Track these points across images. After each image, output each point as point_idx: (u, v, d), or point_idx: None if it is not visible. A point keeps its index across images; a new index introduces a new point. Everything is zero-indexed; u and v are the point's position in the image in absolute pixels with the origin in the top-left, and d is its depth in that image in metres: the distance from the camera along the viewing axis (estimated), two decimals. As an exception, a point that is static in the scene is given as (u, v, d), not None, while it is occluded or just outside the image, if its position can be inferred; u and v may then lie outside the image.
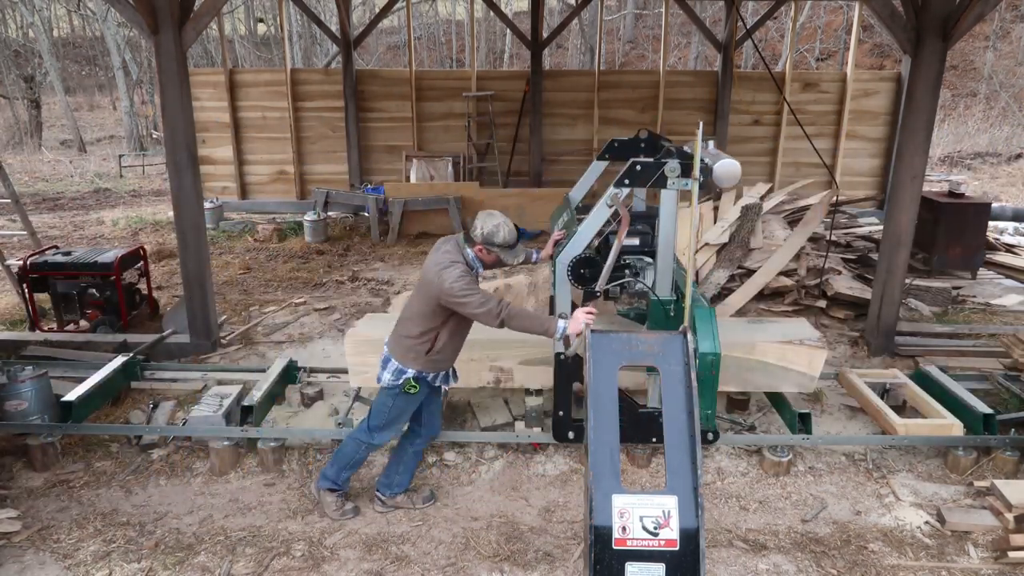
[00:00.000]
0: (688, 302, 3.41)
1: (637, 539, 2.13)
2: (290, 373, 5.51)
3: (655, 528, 2.13)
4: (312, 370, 5.74)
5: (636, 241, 4.21)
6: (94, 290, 6.65)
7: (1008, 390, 5.25)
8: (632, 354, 2.23)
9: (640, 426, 4.13)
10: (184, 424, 4.79)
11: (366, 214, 10.87)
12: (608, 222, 4.10)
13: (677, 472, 2.14)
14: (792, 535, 3.97)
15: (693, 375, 2.23)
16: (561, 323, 3.61)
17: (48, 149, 21.59)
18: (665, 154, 3.93)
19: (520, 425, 4.81)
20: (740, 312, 6.97)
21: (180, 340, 6.21)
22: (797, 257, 7.59)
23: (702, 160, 3.89)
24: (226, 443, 4.55)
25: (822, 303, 7.14)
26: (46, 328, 6.68)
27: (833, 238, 8.28)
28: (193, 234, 5.96)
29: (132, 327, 6.73)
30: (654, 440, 4.24)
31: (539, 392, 4.90)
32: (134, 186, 15.76)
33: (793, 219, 8.65)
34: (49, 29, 26.04)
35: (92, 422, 4.93)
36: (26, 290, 6.57)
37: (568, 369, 4.20)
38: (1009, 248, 9.32)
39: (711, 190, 4.10)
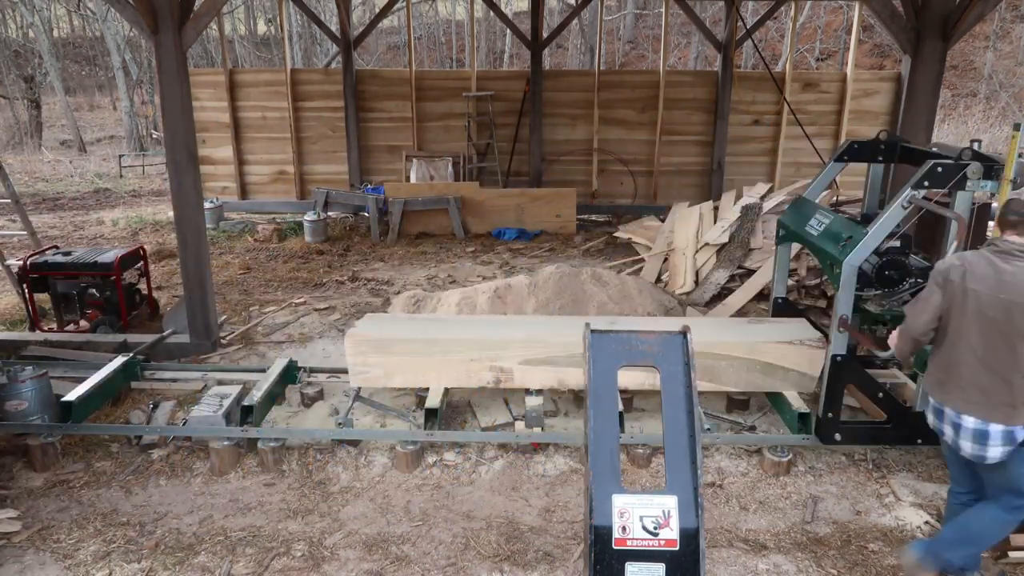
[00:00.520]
0: None
1: (637, 539, 2.13)
2: (290, 373, 5.51)
3: (655, 528, 2.13)
4: (312, 370, 5.73)
5: (897, 243, 4.21)
6: (94, 290, 6.65)
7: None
8: (632, 354, 2.22)
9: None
10: (184, 424, 4.79)
11: (366, 214, 10.87)
12: (898, 225, 4.11)
13: (677, 472, 2.14)
14: (792, 535, 3.97)
15: (693, 375, 2.23)
16: None
17: (48, 149, 21.59)
18: (961, 155, 3.96)
19: (520, 425, 4.81)
20: (740, 312, 6.97)
21: (180, 340, 6.21)
22: (797, 257, 7.59)
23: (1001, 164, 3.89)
24: (226, 443, 4.55)
25: (822, 303, 7.13)
26: (46, 328, 6.68)
27: (833, 238, 8.27)
28: (193, 234, 5.96)
29: (132, 327, 6.74)
30: (919, 441, 4.25)
31: (539, 392, 4.90)
32: (134, 186, 15.76)
33: (793, 219, 8.64)
34: (49, 29, 26.04)
35: (92, 422, 4.93)
36: (26, 290, 6.57)
37: (842, 370, 4.21)
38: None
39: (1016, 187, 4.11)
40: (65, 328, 6.64)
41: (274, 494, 4.33)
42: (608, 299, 6.14)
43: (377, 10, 16.24)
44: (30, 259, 6.60)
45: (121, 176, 17.18)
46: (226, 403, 4.85)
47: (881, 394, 4.34)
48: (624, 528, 2.14)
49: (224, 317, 7.08)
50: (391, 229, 10.31)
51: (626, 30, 30.93)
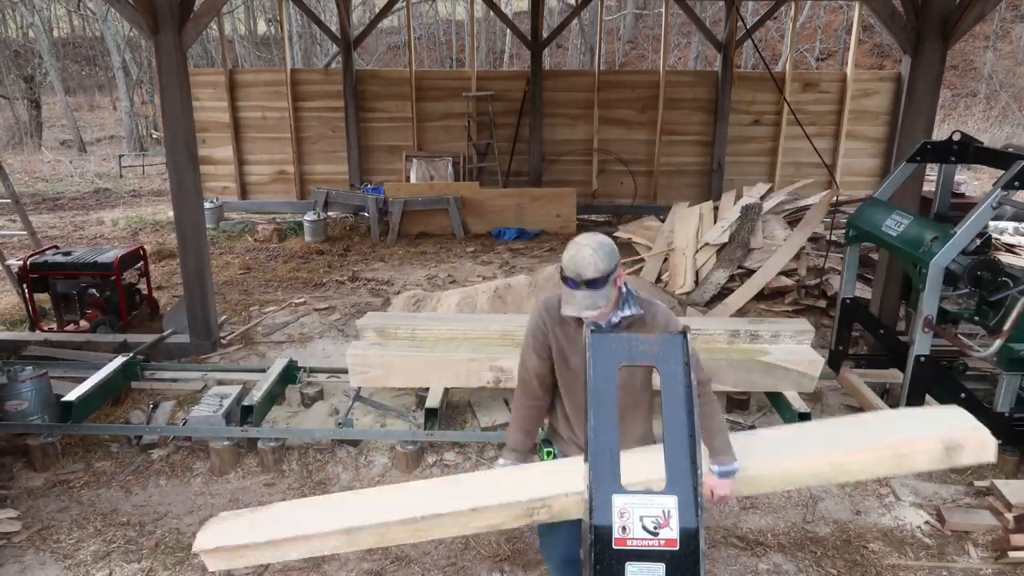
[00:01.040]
0: None
1: (637, 539, 2.13)
2: (290, 373, 5.51)
3: (655, 528, 2.13)
4: (312, 370, 5.74)
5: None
6: (94, 290, 6.65)
7: (1008, 390, 5.24)
8: (632, 354, 2.22)
9: None
10: (184, 424, 4.79)
11: (366, 214, 10.87)
12: (985, 226, 4.10)
13: (677, 472, 2.14)
14: (792, 535, 3.97)
15: (693, 375, 2.23)
16: None
17: (48, 149, 21.59)
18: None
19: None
20: (740, 312, 6.97)
21: (180, 340, 6.21)
22: (797, 257, 7.59)
23: None
24: (226, 443, 4.55)
25: (822, 303, 7.14)
26: (46, 328, 6.68)
27: (833, 238, 8.27)
28: (193, 234, 5.96)
29: (132, 327, 6.74)
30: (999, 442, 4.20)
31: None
32: (134, 186, 15.77)
33: (793, 219, 8.66)
34: (49, 29, 26.04)
35: (92, 422, 4.93)
36: (26, 290, 6.57)
37: (924, 371, 4.25)
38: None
39: None
40: (65, 328, 6.64)
41: (274, 494, 4.33)
42: (608, 299, 6.14)
43: (377, 10, 16.24)
44: (30, 259, 6.60)
45: (121, 176, 17.18)
46: (226, 403, 4.86)
47: (963, 395, 4.32)
48: (624, 528, 2.13)
49: (224, 317, 7.08)
50: (391, 229, 10.31)
51: (626, 30, 30.93)
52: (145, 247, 7.45)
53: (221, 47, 12.07)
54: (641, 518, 2.15)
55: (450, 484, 2.89)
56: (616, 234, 10.09)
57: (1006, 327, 3.88)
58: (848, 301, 5.34)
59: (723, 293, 7.37)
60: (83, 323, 6.65)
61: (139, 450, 4.76)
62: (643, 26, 30.87)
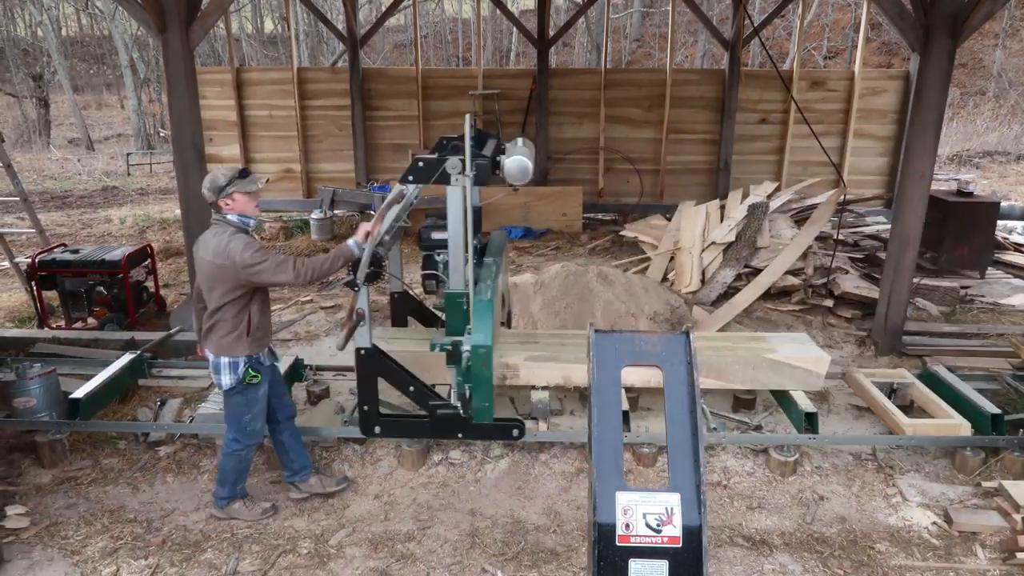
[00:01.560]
0: (471, 295, 3.63)
1: (640, 536, 2.14)
2: (296, 371, 5.52)
3: (658, 525, 2.13)
4: (318, 368, 5.75)
5: (446, 235, 4.20)
6: (102, 288, 6.68)
7: (1016, 390, 5.23)
8: (635, 353, 2.23)
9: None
10: (191, 421, 4.82)
11: (372, 212, 10.87)
12: (398, 217, 4.14)
13: (680, 470, 2.15)
14: (798, 535, 3.96)
15: (696, 374, 2.23)
16: (351, 242, 3.79)
17: (56, 147, 21.71)
18: (451, 150, 3.93)
19: (526, 423, 4.80)
20: (747, 311, 6.95)
21: (187, 338, 6.23)
22: (804, 256, 7.57)
23: (485, 156, 3.99)
24: (232, 440, 4.56)
25: (829, 302, 7.11)
26: (54, 325, 6.72)
27: (840, 237, 8.25)
28: (200, 232, 5.96)
29: (139, 325, 6.77)
30: (460, 435, 4.23)
31: (545, 388, 4.91)
32: (141, 184, 15.83)
33: (800, 218, 8.63)
34: (57, 28, 26.19)
35: (100, 419, 4.96)
36: (34, 287, 6.61)
37: (371, 362, 4.15)
38: (1018, 247, 9.27)
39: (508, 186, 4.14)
40: (73, 326, 6.67)
41: (280, 491, 4.34)
42: (614, 298, 6.13)
43: (383, 8, 16.25)
44: (38, 257, 6.64)
45: (129, 174, 17.26)
46: (232, 400, 4.87)
47: (411, 387, 4.22)
48: (627, 525, 2.14)
49: (231, 315, 7.10)
50: (397, 227, 10.31)
51: (633, 28, 30.88)
52: (152, 245, 7.48)
53: (228, 46, 12.09)
54: (644, 515, 2.15)
55: None
56: (622, 233, 10.08)
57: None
58: (396, 296, 5.23)
59: (729, 292, 7.35)
60: (91, 320, 6.69)
61: (146, 447, 4.78)
62: (650, 24, 30.83)
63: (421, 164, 3.94)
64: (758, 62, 23.83)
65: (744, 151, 11.44)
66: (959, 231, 8.20)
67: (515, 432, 4.20)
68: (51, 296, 6.94)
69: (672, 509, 2.15)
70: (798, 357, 4.78)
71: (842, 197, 8.26)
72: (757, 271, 7.51)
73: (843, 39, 26.78)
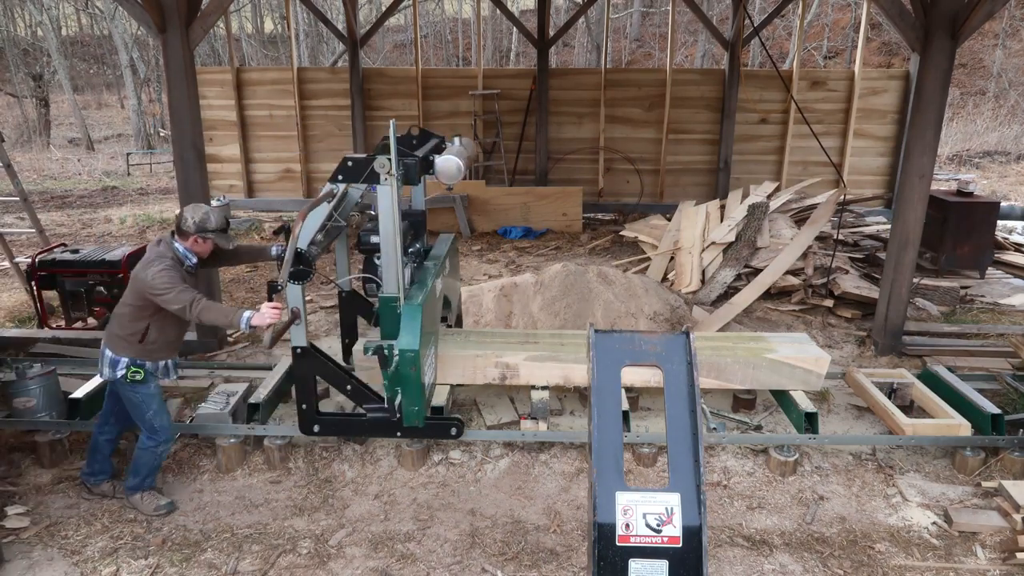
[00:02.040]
0: (401, 299, 3.71)
1: (640, 536, 2.14)
2: (296, 371, 5.51)
3: (658, 525, 2.13)
4: (318, 368, 5.74)
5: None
6: (102, 288, 6.67)
7: (1016, 390, 5.23)
8: (635, 353, 2.23)
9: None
10: (191, 421, 4.81)
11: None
12: (331, 216, 4.10)
13: (680, 470, 2.15)
14: (798, 535, 3.96)
15: (696, 374, 2.23)
16: (246, 314, 3.78)
17: (56, 147, 21.71)
18: (380, 150, 3.93)
19: (526, 423, 4.81)
20: (747, 311, 6.95)
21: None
22: (804, 256, 7.57)
23: (424, 157, 4.01)
24: (232, 440, 4.57)
25: (829, 302, 7.11)
26: (54, 325, 6.72)
27: (840, 237, 8.25)
28: (200, 232, 5.97)
29: (139, 325, 6.75)
30: (398, 434, 4.20)
31: (544, 388, 4.91)
32: (141, 184, 15.83)
33: (800, 218, 8.63)
34: (57, 28, 26.19)
35: (100, 419, 4.95)
36: (34, 287, 6.61)
37: (307, 362, 4.16)
38: (1018, 247, 9.27)
39: (443, 185, 4.15)
40: (73, 325, 6.67)
41: (280, 491, 4.35)
42: (614, 298, 6.13)
43: (383, 8, 16.25)
44: (39, 257, 6.63)
45: (129, 174, 17.26)
46: (232, 400, 4.87)
47: (349, 386, 4.24)
48: (627, 525, 2.14)
49: (231, 315, 7.10)
50: (397, 227, 10.31)
51: (633, 28, 30.89)
52: (152, 245, 7.46)
53: (228, 45, 12.09)
54: (644, 515, 2.16)
55: None
56: (622, 233, 10.08)
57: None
58: (344, 295, 5.20)
59: (729, 292, 7.35)
60: (91, 320, 6.68)
61: (146, 447, 4.77)
62: (650, 24, 30.83)
63: (350, 163, 3.95)
64: (758, 62, 23.83)
65: (744, 151, 11.44)
66: (959, 231, 8.21)
67: (453, 431, 4.23)
68: (51, 296, 6.93)
69: (672, 509, 2.15)
70: (798, 357, 4.78)
71: (842, 197, 8.27)
72: (757, 271, 7.51)
73: (843, 39, 26.79)
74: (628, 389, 5.05)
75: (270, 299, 3.81)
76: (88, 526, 4.03)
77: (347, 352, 5.15)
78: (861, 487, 4.40)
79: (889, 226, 6.97)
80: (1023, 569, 3.66)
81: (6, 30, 27.82)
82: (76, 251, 6.82)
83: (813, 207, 8.71)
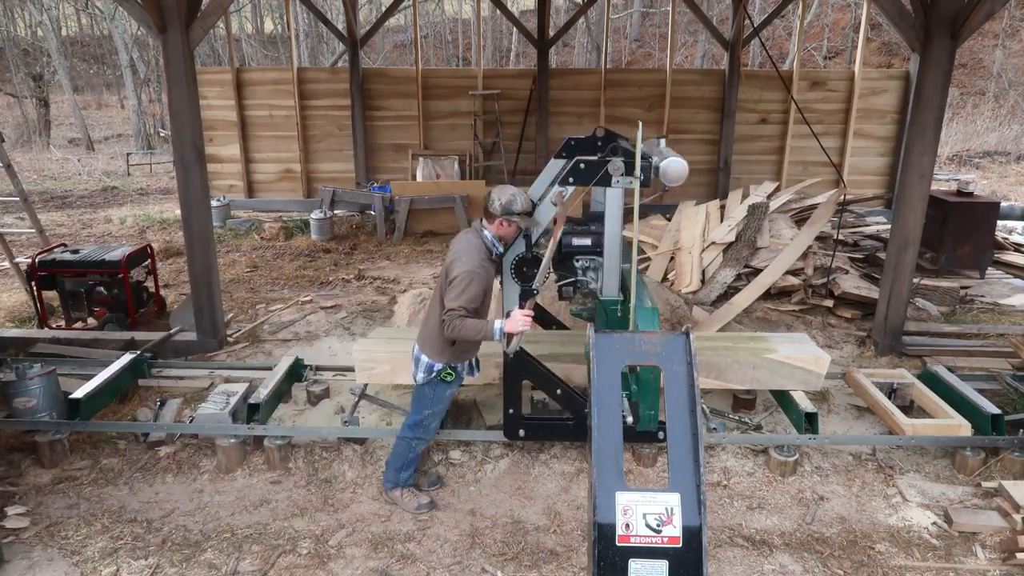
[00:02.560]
0: (632, 303, 3.53)
1: (640, 536, 2.14)
2: (296, 371, 5.52)
3: (658, 525, 2.13)
4: (318, 368, 5.75)
5: (588, 241, 4.17)
6: (102, 288, 6.68)
7: (1016, 390, 5.23)
8: (635, 353, 2.23)
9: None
10: (191, 422, 4.81)
11: (372, 212, 10.89)
12: (555, 220, 4.06)
13: (680, 470, 2.15)
14: (798, 535, 3.96)
15: (696, 374, 2.23)
16: (497, 324, 3.69)
17: (56, 147, 21.71)
18: (610, 152, 3.91)
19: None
20: (747, 311, 6.95)
21: (187, 338, 6.24)
22: (804, 256, 7.57)
23: (649, 158, 3.89)
24: (232, 441, 4.57)
25: (829, 302, 7.11)
26: (54, 325, 6.72)
27: (840, 237, 8.25)
28: (200, 232, 5.98)
29: (139, 325, 6.77)
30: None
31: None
32: (141, 184, 15.83)
33: (800, 218, 8.63)
34: (57, 28, 26.19)
35: (100, 419, 4.96)
36: (34, 287, 6.61)
37: (516, 367, 4.18)
38: (1018, 247, 9.27)
39: (659, 188, 4.08)
40: (73, 326, 6.67)
41: (280, 492, 4.35)
42: (614, 298, 6.13)
43: (383, 8, 16.25)
44: (39, 257, 6.63)
45: (129, 174, 17.26)
46: (233, 401, 4.87)
47: (559, 390, 4.26)
48: (627, 525, 2.14)
49: (231, 315, 7.11)
50: (397, 227, 10.33)
51: (633, 28, 30.89)
52: (152, 245, 7.48)
53: (228, 46, 12.09)
54: (644, 515, 2.16)
55: None
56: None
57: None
58: None
59: (729, 292, 7.35)
60: (91, 321, 6.69)
61: (146, 447, 4.78)
62: (650, 24, 30.83)
63: (583, 166, 3.90)
64: (758, 62, 23.83)
65: (744, 151, 11.44)
66: (959, 231, 8.21)
67: (661, 435, 4.16)
68: (51, 296, 6.93)
69: (672, 509, 2.15)
70: (798, 357, 4.78)
71: (842, 197, 8.26)
72: (757, 271, 7.51)
73: (843, 39, 26.79)
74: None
75: (521, 305, 3.76)
76: (88, 526, 4.02)
77: None
78: (861, 487, 4.40)
79: (889, 226, 6.97)
80: (1023, 569, 3.66)
81: (6, 30, 27.82)
82: (76, 251, 6.82)
83: (813, 207, 8.71)
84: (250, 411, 4.75)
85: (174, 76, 5.60)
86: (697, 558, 2.11)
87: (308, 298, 7.76)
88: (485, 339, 3.76)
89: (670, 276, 8.08)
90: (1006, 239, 9.41)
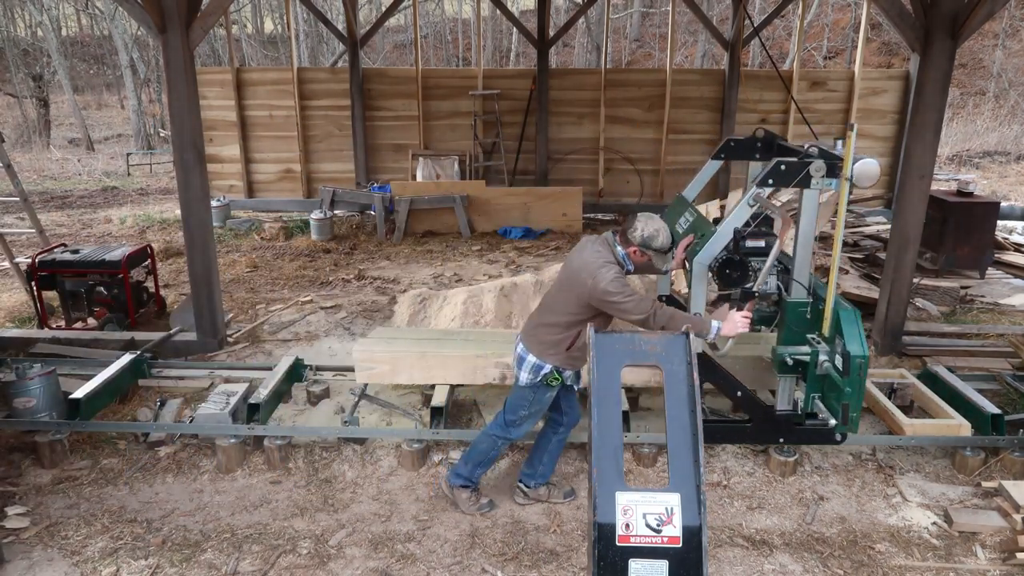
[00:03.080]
0: (829, 304, 3.49)
1: (640, 536, 2.14)
2: (296, 371, 5.52)
3: (658, 525, 2.14)
4: (318, 368, 5.75)
5: (762, 243, 4.10)
6: (102, 288, 6.68)
7: (1016, 390, 5.23)
8: (635, 354, 2.23)
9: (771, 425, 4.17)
10: (191, 422, 4.81)
11: (372, 212, 10.89)
12: (747, 223, 4.04)
13: (680, 470, 2.15)
14: (798, 535, 3.96)
15: (695, 374, 2.23)
16: (715, 324, 3.60)
17: (56, 147, 21.71)
18: (807, 153, 3.87)
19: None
20: (746, 311, 6.94)
21: (187, 338, 6.24)
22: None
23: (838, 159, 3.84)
24: (232, 441, 4.57)
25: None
26: (54, 326, 6.72)
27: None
28: (200, 232, 5.98)
29: (139, 325, 6.77)
30: (781, 440, 4.24)
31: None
32: (141, 184, 15.84)
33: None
34: (57, 28, 26.21)
35: (100, 419, 4.96)
36: (34, 288, 6.61)
37: (701, 369, 4.09)
38: (1018, 247, 9.27)
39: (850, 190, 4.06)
40: (73, 326, 6.67)
41: (280, 492, 4.35)
42: (614, 298, 6.13)
43: (383, 9, 16.26)
44: (38, 257, 6.64)
45: (129, 174, 17.26)
46: (233, 401, 4.87)
47: (739, 392, 4.20)
48: (627, 525, 2.14)
49: (231, 315, 7.11)
50: (397, 227, 10.33)
51: (633, 28, 30.90)
52: (152, 245, 7.48)
53: (228, 46, 12.10)
54: (644, 515, 2.16)
55: None
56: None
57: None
58: (662, 300, 5.13)
59: (729, 292, 7.34)
60: (91, 321, 6.69)
61: (146, 447, 4.78)
62: (650, 24, 30.84)
63: (783, 167, 3.85)
64: (758, 62, 23.83)
65: (744, 151, 11.42)
66: (959, 231, 8.21)
67: (838, 437, 4.12)
68: (51, 296, 6.93)
69: (672, 509, 2.16)
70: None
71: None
72: (757, 271, 7.50)
73: (843, 39, 26.79)
74: (628, 389, 5.05)
75: (740, 308, 3.68)
76: (88, 526, 4.02)
77: None
78: (861, 487, 4.40)
79: (889, 226, 6.97)
80: (1023, 569, 3.66)
81: (6, 30, 27.83)
82: (76, 251, 6.82)
83: (813, 207, 8.69)
84: (250, 411, 4.75)
85: (174, 76, 5.60)
86: (697, 558, 2.12)
87: (308, 298, 7.76)
88: (699, 334, 3.59)
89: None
90: (1006, 239, 9.41)
